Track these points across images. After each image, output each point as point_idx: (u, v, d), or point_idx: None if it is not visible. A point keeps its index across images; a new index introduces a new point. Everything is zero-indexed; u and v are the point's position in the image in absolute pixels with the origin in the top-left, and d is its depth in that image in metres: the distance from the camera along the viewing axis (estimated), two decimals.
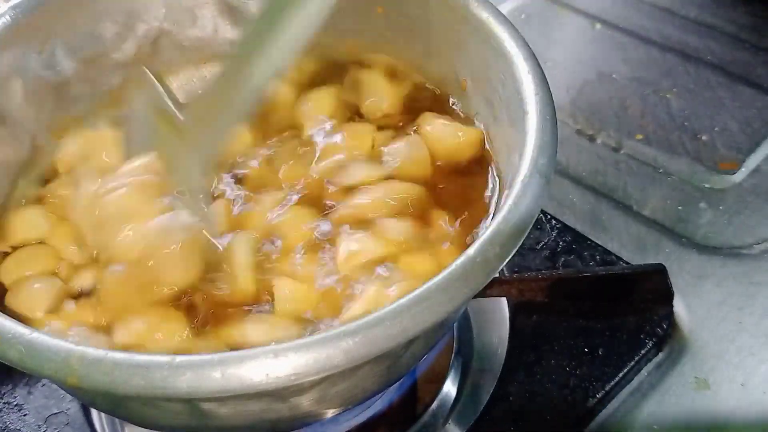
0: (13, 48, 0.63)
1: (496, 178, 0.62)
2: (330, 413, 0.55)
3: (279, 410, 0.49)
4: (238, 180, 0.63)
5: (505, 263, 0.47)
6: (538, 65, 0.56)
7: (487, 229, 0.47)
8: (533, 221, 0.48)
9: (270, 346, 0.42)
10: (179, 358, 0.41)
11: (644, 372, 0.69)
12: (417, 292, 0.44)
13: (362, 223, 0.58)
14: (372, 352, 0.42)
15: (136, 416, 0.53)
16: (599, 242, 0.77)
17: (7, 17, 0.62)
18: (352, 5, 0.68)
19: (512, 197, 0.48)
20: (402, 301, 0.43)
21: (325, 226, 0.59)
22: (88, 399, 0.56)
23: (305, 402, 0.49)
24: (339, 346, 0.41)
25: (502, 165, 0.61)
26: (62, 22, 0.66)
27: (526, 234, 0.47)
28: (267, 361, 0.41)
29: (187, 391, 0.41)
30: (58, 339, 0.44)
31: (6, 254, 0.61)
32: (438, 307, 0.44)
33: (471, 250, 0.46)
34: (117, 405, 0.52)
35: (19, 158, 0.65)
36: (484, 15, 0.60)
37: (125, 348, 0.52)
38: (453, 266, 0.45)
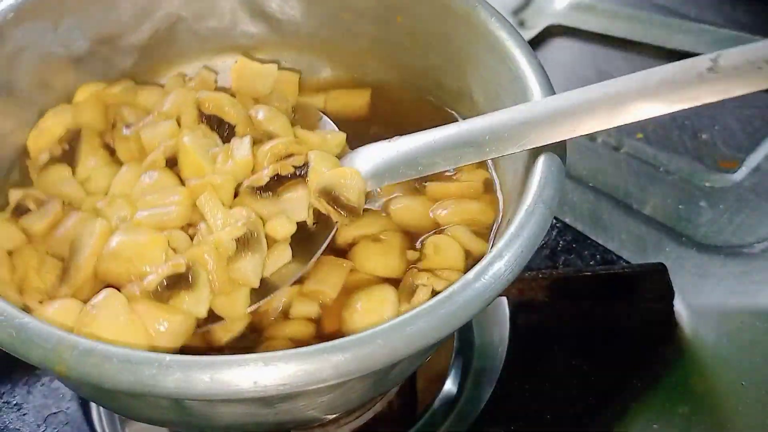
0: (29, 22, 0.62)
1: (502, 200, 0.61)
2: (315, 420, 0.54)
3: (265, 414, 0.48)
4: None
5: (500, 293, 0.45)
6: (553, 91, 0.54)
7: (486, 256, 0.46)
8: (533, 251, 0.46)
9: (260, 354, 0.41)
10: (169, 357, 0.41)
11: (644, 372, 0.68)
12: (411, 313, 0.43)
13: None
14: (361, 370, 0.41)
15: (123, 408, 0.53)
16: (599, 241, 0.77)
17: None
18: (372, 13, 0.67)
19: (514, 225, 0.47)
20: (395, 321, 0.43)
21: None
22: (75, 386, 0.56)
23: (291, 408, 0.48)
24: (329, 360, 0.41)
25: (508, 186, 0.59)
26: (80, 0, 0.65)
27: (525, 264, 0.46)
28: (256, 369, 0.41)
29: (175, 391, 0.40)
30: (51, 326, 0.43)
31: None
32: (430, 331, 0.43)
33: (470, 275, 0.45)
34: (104, 396, 0.51)
35: (25, 133, 0.64)
36: (502, 35, 0.58)
37: None
38: (449, 291, 0.44)
